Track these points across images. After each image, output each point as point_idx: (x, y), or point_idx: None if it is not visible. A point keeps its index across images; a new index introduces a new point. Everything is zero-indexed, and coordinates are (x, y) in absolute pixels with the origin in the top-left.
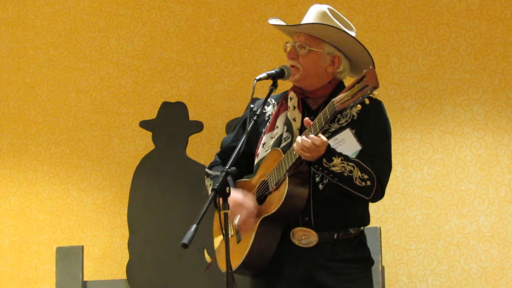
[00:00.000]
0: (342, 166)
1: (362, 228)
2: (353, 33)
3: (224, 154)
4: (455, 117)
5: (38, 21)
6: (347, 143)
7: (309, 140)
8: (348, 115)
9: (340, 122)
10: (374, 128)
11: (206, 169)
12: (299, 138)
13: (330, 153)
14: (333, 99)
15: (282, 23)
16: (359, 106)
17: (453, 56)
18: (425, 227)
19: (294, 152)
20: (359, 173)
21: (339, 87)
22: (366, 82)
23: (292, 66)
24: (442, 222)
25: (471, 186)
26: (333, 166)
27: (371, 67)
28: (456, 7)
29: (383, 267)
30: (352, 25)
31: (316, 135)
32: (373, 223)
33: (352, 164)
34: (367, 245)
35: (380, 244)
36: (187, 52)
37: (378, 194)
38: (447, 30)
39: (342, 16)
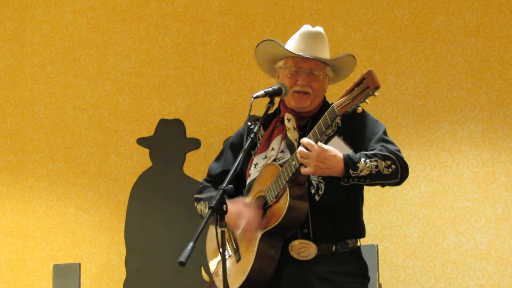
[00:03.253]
0: (368, 167)
1: (359, 241)
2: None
3: (211, 180)
4: (452, 135)
5: (36, 38)
6: (337, 150)
7: (301, 148)
8: (333, 125)
9: (327, 133)
10: (365, 124)
11: (196, 195)
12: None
13: (352, 161)
14: (332, 104)
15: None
16: (338, 117)
17: (450, 73)
18: (422, 245)
19: (294, 163)
20: (383, 163)
21: (325, 102)
22: (366, 84)
23: (304, 93)
24: (439, 240)
25: (468, 204)
26: (361, 171)
27: (370, 69)
28: (453, 24)
29: (380, 285)
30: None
31: (317, 142)
32: (370, 240)
33: (374, 159)
34: (364, 260)
35: (377, 261)
36: (184, 69)
37: (404, 172)
38: (444, 48)
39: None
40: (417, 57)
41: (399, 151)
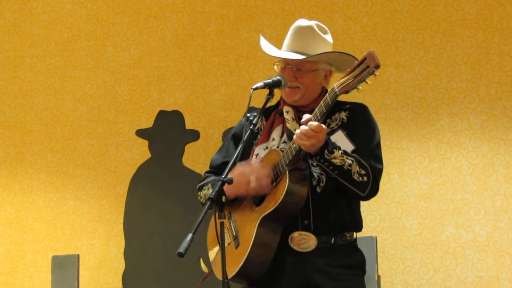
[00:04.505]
0: (342, 159)
1: (356, 234)
2: (328, 36)
3: (213, 171)
4: (452, 127)
5: (35, 29)
6: (340, 144)
7: (307, 127)
8: (338, 119)
9: (331, 126)
10: (364, 130)
11: (199, 184)
12: (298, 130)
13: (332, 145)
14: (333, 85)
15: (273, 48)
16: (345, 112)
17: (450, 65)
18: (421, 237)
19: (294, 145)
20: (358, 168)
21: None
22: (367, 63)
23: (295, 87)
24: (438, 232)
25: (467, 196)
26: (334, 158)
27: (371, 49)
28: (452, 16)
29: (379, 277)
30: (327, 28)
31: (318, 122)
32: (369, 232)
33: (351, 159)
34: (362, 252)
35: (376, 253)
36: (183, 60)
37: (373, 191)
38: (443, 40)
39: (321, 24)
40: (416, 49)
41: (380, 171)
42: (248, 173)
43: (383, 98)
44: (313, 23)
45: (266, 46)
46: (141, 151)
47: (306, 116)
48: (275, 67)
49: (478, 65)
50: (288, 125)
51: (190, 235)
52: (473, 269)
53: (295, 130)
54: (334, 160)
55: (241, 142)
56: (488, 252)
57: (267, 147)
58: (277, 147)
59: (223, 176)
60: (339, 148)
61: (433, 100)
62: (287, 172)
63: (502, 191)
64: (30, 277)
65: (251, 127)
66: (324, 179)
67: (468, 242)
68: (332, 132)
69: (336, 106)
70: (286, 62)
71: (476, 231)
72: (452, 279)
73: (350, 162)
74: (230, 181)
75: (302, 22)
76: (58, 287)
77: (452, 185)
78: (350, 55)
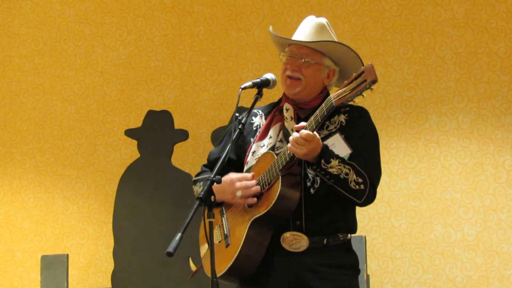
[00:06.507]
0: (339, 168)
1: (350, 235)
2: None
3: (210, 165)
4: (440, 126)
5: (24, 29)
6: (337, 148)
7: (297, 134)
8: (337, 122)
9: (329, 129)
10: (363, 134)
11: (194, 178)
12: (291, 137)
13: (328, 154)
14: (330, 95)
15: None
16: (344, 115)
17: (439, 65)
18: (410, 236)
19: (288, 152)
20: (355, 177)
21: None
22: (364, 77)
23: (291, 77)
24: (427, 231)
25: (456, 195)
26: (331, 167)
27: (369, 63)
28: (441, 16)
29: (368, 276)
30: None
31: (313, 131)
32: (358, 232)
33: (349, 167)
34: (355, 253)
35: (365, 253)
36: (172, 60)
37: (370, 198)
38: (432, 39)
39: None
40: (405, 48)
41: (378, 177)
42: (236, 183)
43: (372, 97)
44: (323, 20)
45: (276, 34)
46: (130, 151)
47: (302, 124)
48: (281, 57)
49: (467, 65)
50: (286, 123)
51: (179, 235)
52: (462, 268)
53: (291, 130)
54: (330, 170)
55: (229, 141)
56: (477, 252)
57: (264, 145)
58: (273, 145)
59: (211, 176)
60: (337, 157)
61: (422, 100)
62: (280, 177)
63: (491, 190)
64: (19, 277)
65: (240, 127)
66: (318, 180)
67: (457, 241)
68: (330, 134)
69: (336, 108)
70: (294, 53)
71: (465, 230)
72: (441, 278)
73: (347, 171)
74: (218, 181)
75: (313, 17)
76: (47, 287)
77: (441, 184)
78: (355, 52)
